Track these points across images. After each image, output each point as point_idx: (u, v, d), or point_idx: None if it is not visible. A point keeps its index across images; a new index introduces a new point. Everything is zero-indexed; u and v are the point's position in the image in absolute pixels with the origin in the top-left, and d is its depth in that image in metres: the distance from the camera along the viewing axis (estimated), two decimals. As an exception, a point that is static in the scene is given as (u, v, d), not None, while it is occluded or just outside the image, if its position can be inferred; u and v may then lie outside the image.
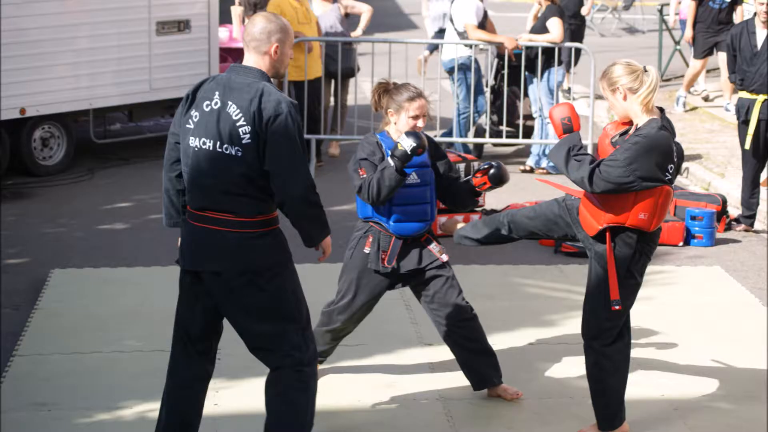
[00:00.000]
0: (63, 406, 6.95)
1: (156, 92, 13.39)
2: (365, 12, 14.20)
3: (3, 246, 10.11)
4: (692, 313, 8.76)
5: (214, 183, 5.71)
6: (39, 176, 12.58)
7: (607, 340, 6.52)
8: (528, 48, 13.15)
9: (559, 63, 13.30)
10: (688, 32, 16.28)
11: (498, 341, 7.59)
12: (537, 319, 8.53)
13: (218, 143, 5.69)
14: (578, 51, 13.87)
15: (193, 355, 5.96)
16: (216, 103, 5.73)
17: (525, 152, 13.91)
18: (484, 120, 13.54)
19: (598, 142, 6.56)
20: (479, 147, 13.65)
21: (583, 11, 17.12)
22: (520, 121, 13.72)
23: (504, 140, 13.76)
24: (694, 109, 16.64)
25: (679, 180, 12.71)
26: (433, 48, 15.73)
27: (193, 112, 5.80)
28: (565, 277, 9.51)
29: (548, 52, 13.16)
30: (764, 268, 9.98)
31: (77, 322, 8.27)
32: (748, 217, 11.17)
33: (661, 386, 7.37)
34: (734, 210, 11.52)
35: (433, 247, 6.97)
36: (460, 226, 7.26)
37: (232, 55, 14.98)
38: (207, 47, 13.64)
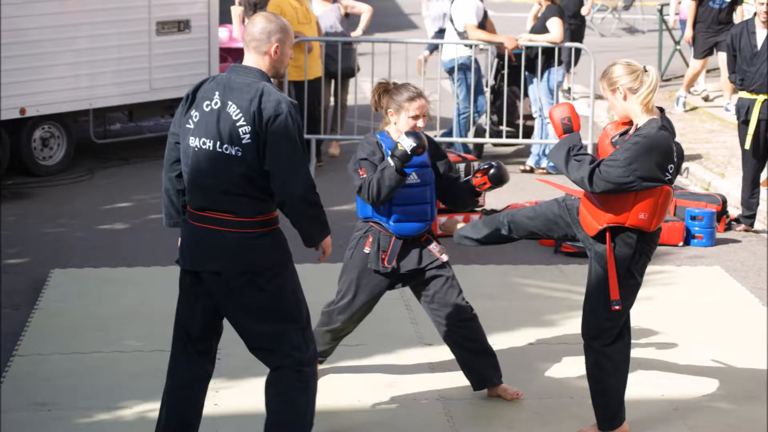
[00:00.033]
0: (63, 406, 6.95)
1: (156, 92, 13.39)
2: (365, 12, 14.19)
3: (3, 246, 10.11)
4: (692, 313, 8.75)
5: (214, 183, 5.71)
6: (39, 176, 12.57)
7: (607, 340, 6.52)
8: (528, 48, 13.14)
9: (559, 63, 13.30)
10: (688, 32, 16.28)
11: (498, 341, 7.59)
12: (537, 319, 8.53)
13: (218, 143, 5.69)
14: (578, 51, 13.86)
15: (193, 355, 5.95)
16: (216, 103, 5.73)
17: (525, 152, 13.90)
18: (484, 120, 13.53)
19: (598, 142, 6.56)
20: (479, 147, 13.64)
21: (583, 11, 17.11)
22: (520, 121, 13.72)
23: (504, 140, 13.75)
24: (694, 109, 16.64)
25: (679, 180, 12.70)
26: (433, 48, 15.72)
27: (193, 112, 5.79)
28: (565, 277, 9.50)
29: (548, 52, 13.15)
30: (764, 268, 9.97)
31: (77, 322, 8.27)
32: (748, 217, 11.17)
33: (661, 386, 7.37)
34: (734, 210, 11.51)
35: (433, 247, 6.96)
36: (460, 226, 7.26)
37: (232, 55, 14.97)
38: (207, 47, 13.64)
